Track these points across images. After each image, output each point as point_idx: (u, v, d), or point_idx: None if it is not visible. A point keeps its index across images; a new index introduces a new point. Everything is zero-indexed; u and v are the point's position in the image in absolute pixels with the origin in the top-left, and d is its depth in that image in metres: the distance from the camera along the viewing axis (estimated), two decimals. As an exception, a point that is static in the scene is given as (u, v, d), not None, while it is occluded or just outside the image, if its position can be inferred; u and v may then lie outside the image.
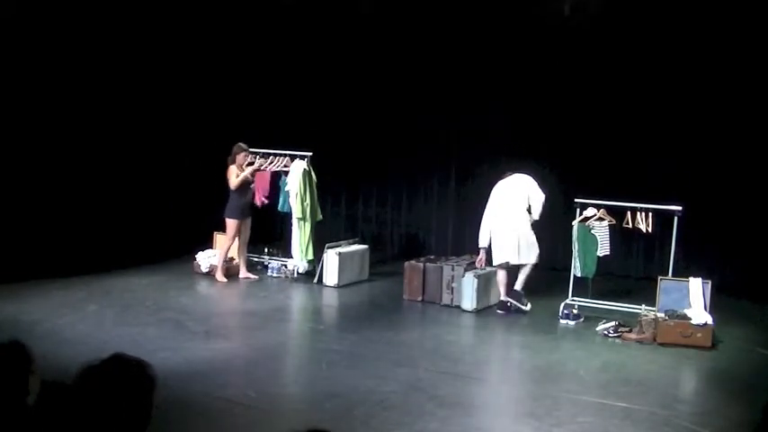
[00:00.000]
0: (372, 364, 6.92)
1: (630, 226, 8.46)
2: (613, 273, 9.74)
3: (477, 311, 8.77)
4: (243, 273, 9.98)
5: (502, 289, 8.83)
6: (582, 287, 8.73)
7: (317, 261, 9.93)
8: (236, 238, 9.73)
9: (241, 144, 9.74)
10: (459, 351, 7.59)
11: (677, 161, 9.90)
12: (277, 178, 10.33)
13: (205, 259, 10.05)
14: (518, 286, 8.81)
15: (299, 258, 10.06)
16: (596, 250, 8.54)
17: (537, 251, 8.84)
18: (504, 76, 10.77)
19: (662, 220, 8.54)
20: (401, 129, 11.45)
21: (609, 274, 9.49)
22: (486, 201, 11.32)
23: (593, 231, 8.57)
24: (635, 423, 5.86)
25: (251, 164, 10.10)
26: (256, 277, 10.01)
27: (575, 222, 8.64)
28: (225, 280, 9.75)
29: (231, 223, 9.64)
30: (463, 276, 8.88)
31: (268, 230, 11.38)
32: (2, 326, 7.30)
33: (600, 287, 8.88)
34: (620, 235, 9.00)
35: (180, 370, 6.47)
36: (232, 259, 10.10)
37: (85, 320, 7.91)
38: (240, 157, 9.68)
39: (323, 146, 10.62)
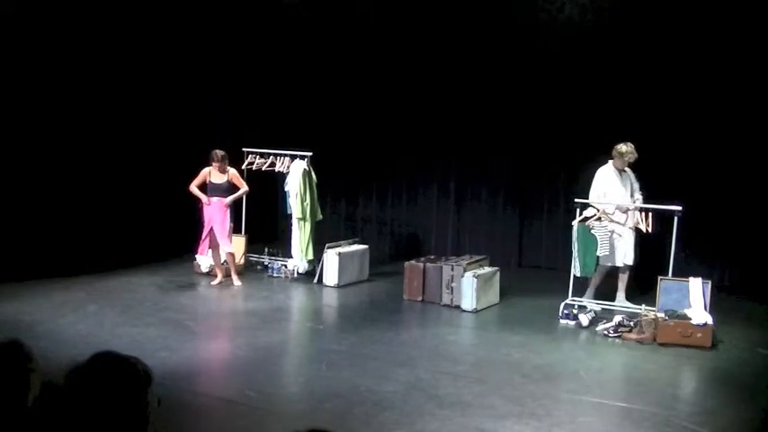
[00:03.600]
0: (372, 364, 6.92)
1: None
2: (613, 273, 9.72)
3: (477, 311, 8.78)
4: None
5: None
6: (582, 287, 8.73)
7: (316, 261, 9.94)
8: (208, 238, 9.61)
9: (217, 152, 9.52)
10: (459, 351, 7.59)
11: (677, 161, 9.90)
12: (281, 181, 10.34)
13: (205, 259, 10.04)
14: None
15: (299, 258, 10.06)
16: (596, 250, 8.54)
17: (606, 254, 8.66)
18: (505, 75, 10.77)
19: (662, 220, 8.54)
20: (401, 129, 11.46)
21: (609, 274, 9.48)
22: (485, 200, 11.43)
23: (593, 231, 8.57)
24: (635, 423, 5.86)
25: (251, 163, 10.15)
26: (239, 284, 9.67)
27: (575, 222, 8.64)
28: (223, 280, 9.72)
29: None
30: (463, 276, 8.87)
31: (268, 230, 11.39)
32: (2, 326, 7.32)
33: (600, 287, 8.88)
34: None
35: (180, 370, 6.47)
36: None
37: (86, 320, 7.91)
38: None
39: (323, 146, 10.63)
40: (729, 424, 5.92)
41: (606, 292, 8.88)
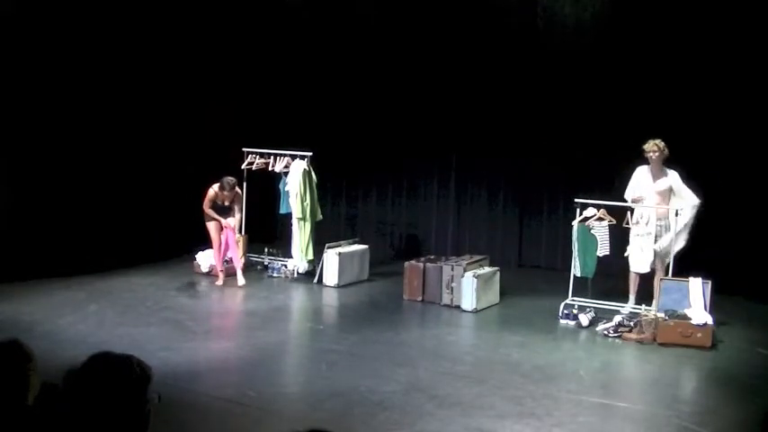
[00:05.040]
0: (372, 364, 6.92)
1: (630, 226, 8.46)
2: (613, 273, 9.72)
3: (477, 311, 8.77)
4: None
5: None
6: (582, 287, 8.73)
7: (317, 261, 9.94)
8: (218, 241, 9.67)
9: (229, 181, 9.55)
10: (459, 351, 7.59)
11: (677, 161, 9.88)
12: (277, 181, 10.35)
13: (205, 259, 10.05)
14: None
15: (299, 258, 10.06)
16: (596, 250, 8.53)
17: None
18: (505, 75, 10.76)
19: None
20: (401, 128, 11.45)
21: (609, 275, 9.48)
22: (485, 200, 11.42)
23: (593, 231, 8.56)
24: (635, 423, 5.87)
25: (251, 163, 10.22)
26: (243, 282, 9.69)
27: (575, 222, 8.63)
28: (222, 282, 9.70)
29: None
30: (463, 276, 8.87)
31: (268, 230, 11.39)
32: (2, 326, 7.31)
33: (600, 287, 8.88)
34: (619, 235, 8.98)
35: (180, 370, 6.47)
36: (231, 260, 10.10)
37: (86, 320, 7.91)
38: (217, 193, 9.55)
39: (323, 146, 10.62)
40: (729, 424, 5.92)
41: (606, 292, 8.87)
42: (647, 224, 8.48)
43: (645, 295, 8.69)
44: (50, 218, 9.65)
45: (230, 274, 9.90)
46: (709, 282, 8.07)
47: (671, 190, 8.53)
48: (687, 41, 9.64)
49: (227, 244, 9.64)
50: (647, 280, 8.65)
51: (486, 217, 11.37)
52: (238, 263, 9.78)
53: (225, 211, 9.63)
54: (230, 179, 9.53)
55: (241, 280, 9.65)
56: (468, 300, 8.81)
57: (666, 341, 7.63)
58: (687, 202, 8.49)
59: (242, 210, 9.88)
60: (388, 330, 8.05)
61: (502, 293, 9.27)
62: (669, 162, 8.61)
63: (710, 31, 9.49)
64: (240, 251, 10.09)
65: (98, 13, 9.93)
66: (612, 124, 10.15)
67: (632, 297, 8.67)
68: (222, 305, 9.22)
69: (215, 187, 9.49)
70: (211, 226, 9.58)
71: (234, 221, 9.65)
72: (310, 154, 10.03)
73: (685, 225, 8.49)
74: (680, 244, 8.47)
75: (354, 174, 12.00)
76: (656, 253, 8.52)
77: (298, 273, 10.10)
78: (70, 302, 8.48)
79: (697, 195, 8.67)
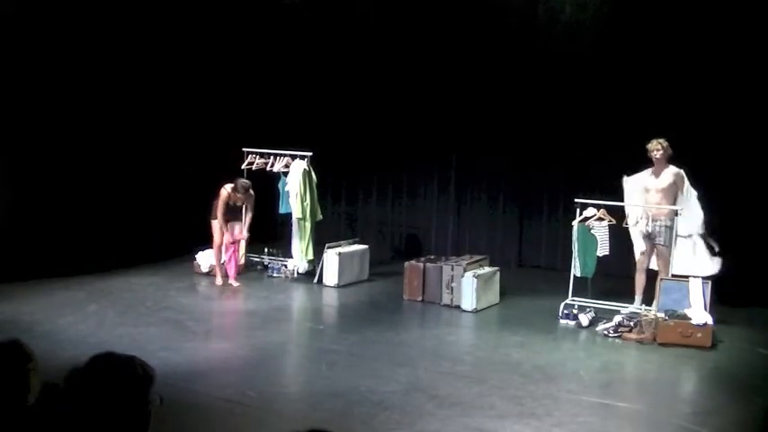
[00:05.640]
0: (372, 364, 6.92)
1: (629, 226, 8.46)
2: (613, 273, 9.73)
3: (477, 311, 8.78)
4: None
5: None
6: (582, 287, 8.73)
7: (317, 261, 9.94)
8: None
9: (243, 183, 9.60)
10: (459, 351, 7.59)
11: (677, 161, 9.88)
12: (277, 180, 10.35)
13: (205, 259, 10.04)
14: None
15: (299, 258, 10.06)
16: (596, 250, 8.53)
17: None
18: (505, 75, 10.76)
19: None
20: (401, 128, 11.45)
21: (609, 275, 9.48)
22: (485, 200, 11.43)
23: (593, 231, 8.56)
24: (635, 423, 5.87)
25: (251, 163, 10.19)
26: (238, 284, 9.70)
27: (575, 222, 8.64)
28: (221, 282, 9.71)
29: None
30: (463, 276, 8.87)
31: (268, 230, 11.39)
32: (2, 326, 7.32)
33: (600, 287, 8.88)
34: (619, 235, 8.99)
35: (180, 370, 6.47)
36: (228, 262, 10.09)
37: (86, 320, 7.91)
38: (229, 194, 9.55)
39: (323, 146, 10.63)
40: (729, 424, 5.92)
41: (606, 292, 8.87)
42: (646, 224, 8.48)
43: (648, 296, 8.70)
44: (50, 218, 9.65)
45: (228, 274, 9.90)
46: (709, 282, 8.07)
47: (674, 187, 8.50)
48: (688, 41, 9.63)
49: (232, 246, 9.66)
50: (648, 280, 8.65)
51: (486, 217, 11.38)
52: (236, 267, 9.75)
53: (235, 212, 9.65)
54: (245, 181, 9.58)
55: (234, 283, 9.65)
56: (468, 300, 8.81)
57: (666, 341, 7.63)
58: (694, 218, 8.57)
59: (252, 210, 9.79)
60: (388, 330, 8.05)
61: (502, 293, 9.27)
62: (671, 162, 8.62)
63: (711, 31, 9.48)
64: (240, 252, 10.10)
65: (98, 13, 9.92)
66: (612, 124, 10.15)
67: (638, 298, 8.66)
68: (222, 305, 9.21)
69: (227, 188, 9.48)
70: (216, 225, 9.58)
71: (244, 227, 9.74)
72: (310, 154, 10.04)
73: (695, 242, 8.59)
74: (704, 268, 8.52)
75: (354, 174, 12.01)
76: (658, 253, 8.54)
77: (298, 273, 10.11)
78: (70, 302, 8.48)
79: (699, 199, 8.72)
